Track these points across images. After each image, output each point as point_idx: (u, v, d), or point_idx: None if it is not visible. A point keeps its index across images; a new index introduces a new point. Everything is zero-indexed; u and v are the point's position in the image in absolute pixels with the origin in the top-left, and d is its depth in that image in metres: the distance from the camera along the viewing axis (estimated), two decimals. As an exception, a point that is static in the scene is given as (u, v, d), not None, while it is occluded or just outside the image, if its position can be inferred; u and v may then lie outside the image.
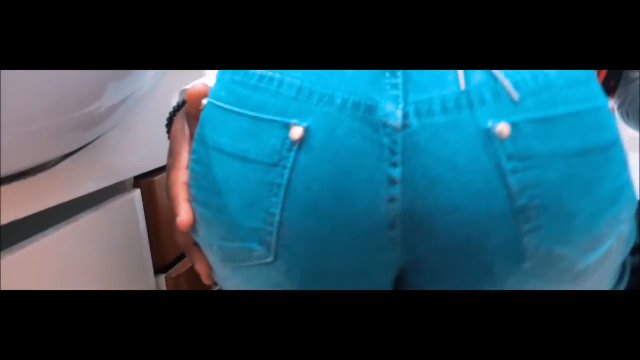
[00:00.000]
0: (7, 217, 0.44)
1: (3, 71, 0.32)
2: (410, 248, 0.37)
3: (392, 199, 0.35)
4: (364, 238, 0.36)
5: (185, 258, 0.74)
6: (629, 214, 0.39)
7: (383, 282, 0.40)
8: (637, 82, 0.64)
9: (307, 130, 0.35)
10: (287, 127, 0.35)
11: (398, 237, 0.36)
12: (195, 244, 0.44)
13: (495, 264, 0.36)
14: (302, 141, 0.35)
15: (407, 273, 0.40)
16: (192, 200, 0.41)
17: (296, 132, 0.35)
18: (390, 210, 0.35)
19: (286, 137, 0.35)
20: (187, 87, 0.43)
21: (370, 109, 0.34)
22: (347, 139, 0.35)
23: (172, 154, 0.45)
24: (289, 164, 0.36)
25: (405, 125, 0.34)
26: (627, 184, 0.38)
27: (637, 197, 0.41)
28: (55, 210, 0.50)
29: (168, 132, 0.48)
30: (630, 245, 0.42)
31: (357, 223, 0.36)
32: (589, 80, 0.36)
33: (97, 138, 0.55)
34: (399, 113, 0.34)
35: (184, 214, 0.41)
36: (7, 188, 0.44)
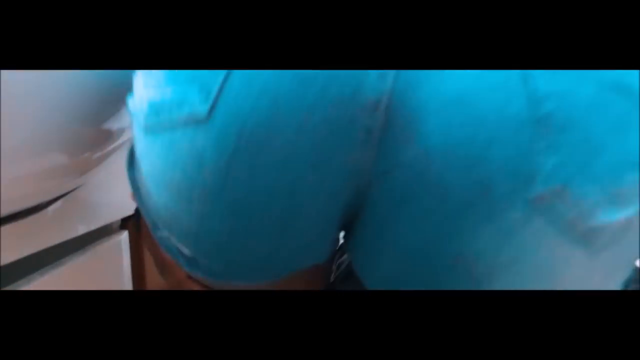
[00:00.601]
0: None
1: (3, 113, 0.32)
2: (387, 151, 0.29)
3: (382, 74, 0.28)
4: (331, 115, 0.29)
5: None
6: None
7: (332, 202, 0.32)
8: None
9: None
10: None
11: (376, 130, 0.29)
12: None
13: (496, 183, 0.29)
14: None
15: (368, 202, 0.32)
16: None
17: None
18: (377, 88, 0.28)
19: None
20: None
21: None
22: None
23: None
24: None
25: None
26: None
27: None
28: (43, 253, 0.50)
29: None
30: None
31: (329, 91, 0.28)
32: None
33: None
34: None
35: None
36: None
